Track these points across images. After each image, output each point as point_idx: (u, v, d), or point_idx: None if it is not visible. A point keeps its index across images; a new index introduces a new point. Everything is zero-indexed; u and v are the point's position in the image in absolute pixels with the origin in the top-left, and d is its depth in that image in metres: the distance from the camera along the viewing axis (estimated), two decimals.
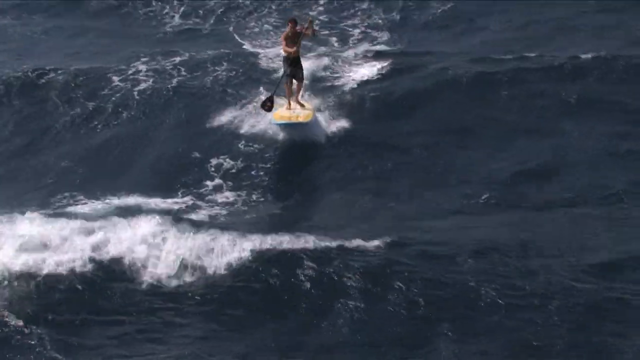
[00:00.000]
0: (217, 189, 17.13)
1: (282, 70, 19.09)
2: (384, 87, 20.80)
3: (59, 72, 21.69)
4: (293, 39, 18.51)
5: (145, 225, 14.53)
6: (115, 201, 16.54)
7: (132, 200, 16.58)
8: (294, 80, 18.89)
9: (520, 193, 16.52)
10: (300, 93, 19.12)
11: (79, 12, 27.11)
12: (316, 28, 19.21)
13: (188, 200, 16.78)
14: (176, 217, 15.11)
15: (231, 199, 16.77)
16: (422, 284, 13.46)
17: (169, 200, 16.63)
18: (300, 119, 18.16)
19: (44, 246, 14.21)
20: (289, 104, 18.88)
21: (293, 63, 18.76)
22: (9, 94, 20.71)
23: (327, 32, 25.72)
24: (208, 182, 17.33)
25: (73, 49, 24.32)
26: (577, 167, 17.30)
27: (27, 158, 18.47)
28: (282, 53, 18.97)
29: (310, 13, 26.96)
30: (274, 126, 18.44)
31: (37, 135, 19.24)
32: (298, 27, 18.63)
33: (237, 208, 16.42)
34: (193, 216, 15.77)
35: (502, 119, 19.21)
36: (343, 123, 19.09)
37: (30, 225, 14.60)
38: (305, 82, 19.56)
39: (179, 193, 16.98)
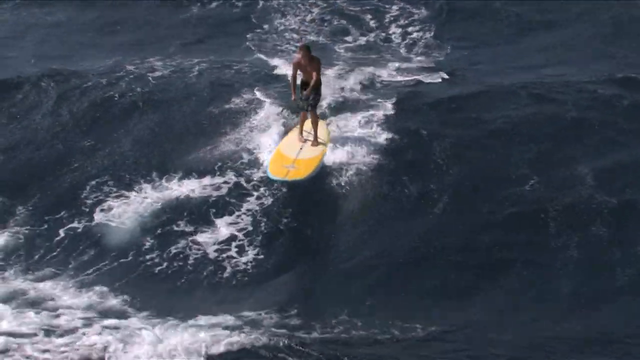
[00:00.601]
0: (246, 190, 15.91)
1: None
2: (424, 102, 18.82)
3: (79, 68, 20.66)
4: (306, 68, 16.01)
5: None
6: (150, 196, 15.66)
7: (169, 191, 15.77)
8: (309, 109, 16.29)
9: (578, 227, 14.86)
10: (318, 127, 16.46)
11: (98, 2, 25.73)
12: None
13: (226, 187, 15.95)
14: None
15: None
16: None
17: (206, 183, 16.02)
18: (297, 176, 15.38)
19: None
20: (300, 133, 16.54)
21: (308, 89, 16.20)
22: (25, 91, 19.53)
23: (358, 8, 24.55)
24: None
25: (91, 44, 23.16)
26: None
27: (51, 151, 17.37)
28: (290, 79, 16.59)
29: None
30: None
31: (60, 129, 18.03)
32: (314, 56, 16.07)
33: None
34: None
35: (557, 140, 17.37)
36: (373, 145, 16.79)
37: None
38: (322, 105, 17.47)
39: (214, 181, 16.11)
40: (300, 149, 16.16)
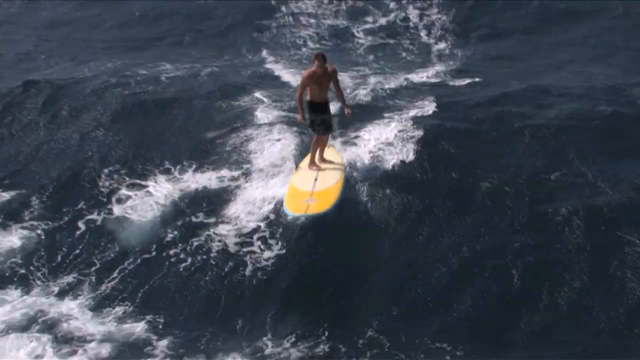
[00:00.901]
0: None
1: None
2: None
3: (89, 67, 20.64)
4: (320, 82, 14.12)
5: None
6: (168, 188, 15.50)
7: (186, 183, 15.57)
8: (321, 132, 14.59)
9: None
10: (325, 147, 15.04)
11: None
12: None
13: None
14: None
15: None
16: None
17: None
18: (319, 209, 13.73)
19: None
20: (312, 162, 14.82)
21: (320, 110, 14.40)
22: (36, 87, 19.29)
23: None
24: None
25: (100, 40, 22.97)
26: None
27: (64, 145, 17.28)
28: (306, 97, 14.34)
29: None
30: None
31: (71, 126, 17.87)
32: (328, 66, 14.08)
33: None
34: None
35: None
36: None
37: None
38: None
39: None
40: (315, 179, 14.55)
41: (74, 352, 12.34)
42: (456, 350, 12.12)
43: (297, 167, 15.24)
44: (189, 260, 14.00)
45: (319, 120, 14.42)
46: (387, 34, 22.04)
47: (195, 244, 14.26)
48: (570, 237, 13.88)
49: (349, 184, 14.98)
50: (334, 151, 15.44)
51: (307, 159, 15.06)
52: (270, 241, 14.11)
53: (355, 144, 16.11)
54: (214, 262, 13.93)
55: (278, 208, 14.57)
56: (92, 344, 12.47)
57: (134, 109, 18.11)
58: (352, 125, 16.34)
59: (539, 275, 13.21)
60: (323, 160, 14.91)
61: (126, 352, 12.32)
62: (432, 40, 21.45)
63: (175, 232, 14.51)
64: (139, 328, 12.81)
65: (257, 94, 18.35)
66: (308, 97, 14.26)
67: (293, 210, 13.80)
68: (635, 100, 17.70)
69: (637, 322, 12.39)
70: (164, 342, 12.54)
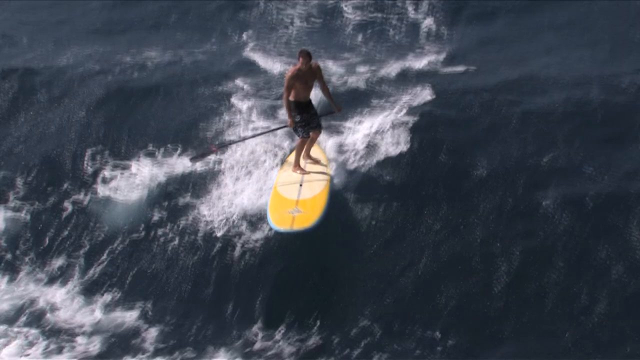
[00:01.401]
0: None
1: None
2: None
3: (68, 55, 20.00)
4: (306, 80, 13.64)
5: None
6: (153, 170, 15.33)
7: (171, 165, 15.39)
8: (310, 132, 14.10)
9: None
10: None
11: None
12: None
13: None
14: None
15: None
16: None
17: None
18: (305, 224, 12.99)
19: None
20: (297, 165, 14.23)
21: (307, 109, 13.91)
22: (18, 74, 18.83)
23: None
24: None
25: (85, 30, 22.10)
26: None
27: (48, 129, 17.04)
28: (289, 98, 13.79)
29: None
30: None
31: (57, 113, 17.51)
32: (312, 63, 13.59)
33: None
34: None
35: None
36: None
37: None
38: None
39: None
40: (300, 185, 13.92)
41: (62, 347, 12.31)
42: (447, 339, 12.13)
43: (283, 162, 14.96)
44: (177, 241, 13.94)
45: (309, 117, 13.93)
46: (376, 9, 21.65)
47: (182, 224, 14.17)
48: (560, 225, 13.76)
49: (339, 174, 14.76)
50: (319, 150, 14.98)
51: (293, 154, 14.54)
52: (259, 224, 13.94)
53: (344, 133, 15.83)
54: (202, 244, 13.85)
55: (265, 192, 14.38)
56: (81, 337, 12.45)
57: (118, 95, 17.79)
58: (341, 113, 15.67)
59: (528, 264, 13.16)
60: (309, 157, 14.47)
61: (116, 344, 12.30)
62: (420, 17, 20.85)
63: (163, 213, 14.44)
64: (128, 317, 12.78)
65: (242, 81, 17.97)
66: (293, 98, 13.71)
67: (278, 224, 13.15)
68: (625, 87, 17.36)
69: (624, 311, 12.40)
70: (153, 333, 12.51)
